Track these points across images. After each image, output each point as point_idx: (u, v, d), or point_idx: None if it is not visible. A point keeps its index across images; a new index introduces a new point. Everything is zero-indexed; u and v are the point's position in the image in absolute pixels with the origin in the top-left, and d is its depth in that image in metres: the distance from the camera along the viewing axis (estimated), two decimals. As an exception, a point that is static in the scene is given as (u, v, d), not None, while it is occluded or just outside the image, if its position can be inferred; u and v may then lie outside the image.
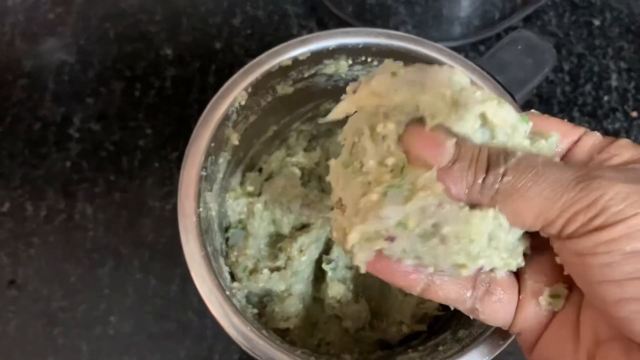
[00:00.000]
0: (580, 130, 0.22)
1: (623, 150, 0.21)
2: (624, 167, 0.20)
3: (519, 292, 0.22)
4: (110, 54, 0.49)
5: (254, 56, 0.49)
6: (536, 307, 0.22)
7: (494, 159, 0.19)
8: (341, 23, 0.50)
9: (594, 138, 0.22)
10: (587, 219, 0.18)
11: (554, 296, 0.21)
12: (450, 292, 0.22)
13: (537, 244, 0.22)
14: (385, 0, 0.53)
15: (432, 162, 0.19)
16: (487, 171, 0.19)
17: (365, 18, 0.52)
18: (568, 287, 0.22)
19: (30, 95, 0.47)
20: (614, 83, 0.50)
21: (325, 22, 0.51)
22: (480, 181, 0.19)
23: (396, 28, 0.52)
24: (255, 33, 0.50)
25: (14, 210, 0.44)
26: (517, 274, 0.23)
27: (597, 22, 0.52)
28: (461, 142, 0.19)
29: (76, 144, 0.46)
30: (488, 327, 0.28)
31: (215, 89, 0.47)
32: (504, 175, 0.19)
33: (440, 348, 0.30)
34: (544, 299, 0.22)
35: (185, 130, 0.46)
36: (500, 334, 0.27)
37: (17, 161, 0.45)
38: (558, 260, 0.21)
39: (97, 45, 0.49)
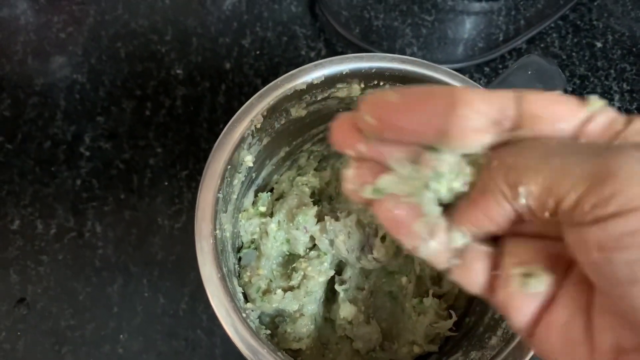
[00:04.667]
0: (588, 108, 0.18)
1: None
2: None
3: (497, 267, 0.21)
4: (121, 73, 0.50)
5: (263, 76, 0.50)
6: (510, 285, 0.20)
7: None
8: (348, 44, 0.51)
9: (607, 116, 0.18)
10: (606, 196, 0.15)
11: (526, 275, 0.20)
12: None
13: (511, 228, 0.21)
14: (392, 22, 0.54)
15: None
16: None
17: (372, 39, 0.53)
18: (551, 271, 0.20)
19: (41, 114, 0.48)
20: (617, 104, 0.50)
21: (332, 43, 0.52)
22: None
23: (402, 49, 0.53)
24: (264, 54, 0.51)
25: (24, 227, 0.44)
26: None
27: (599, 44, 0.53)
28: None
29: (86, 162, 0.46)
30: (502, 348, 0.28)
31: (224, 109, 0.49)
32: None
33: (453, 369, 0.30)
34: (515, 278, 0.20)
35: (195, 149, 0.47)
36: (514, 356, 0.27)
37: (28, 179, 0.45)
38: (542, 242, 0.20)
39: (107, 64, 0.50)
